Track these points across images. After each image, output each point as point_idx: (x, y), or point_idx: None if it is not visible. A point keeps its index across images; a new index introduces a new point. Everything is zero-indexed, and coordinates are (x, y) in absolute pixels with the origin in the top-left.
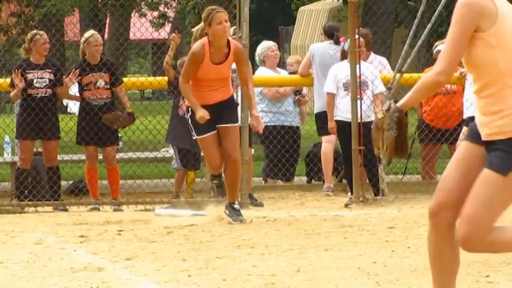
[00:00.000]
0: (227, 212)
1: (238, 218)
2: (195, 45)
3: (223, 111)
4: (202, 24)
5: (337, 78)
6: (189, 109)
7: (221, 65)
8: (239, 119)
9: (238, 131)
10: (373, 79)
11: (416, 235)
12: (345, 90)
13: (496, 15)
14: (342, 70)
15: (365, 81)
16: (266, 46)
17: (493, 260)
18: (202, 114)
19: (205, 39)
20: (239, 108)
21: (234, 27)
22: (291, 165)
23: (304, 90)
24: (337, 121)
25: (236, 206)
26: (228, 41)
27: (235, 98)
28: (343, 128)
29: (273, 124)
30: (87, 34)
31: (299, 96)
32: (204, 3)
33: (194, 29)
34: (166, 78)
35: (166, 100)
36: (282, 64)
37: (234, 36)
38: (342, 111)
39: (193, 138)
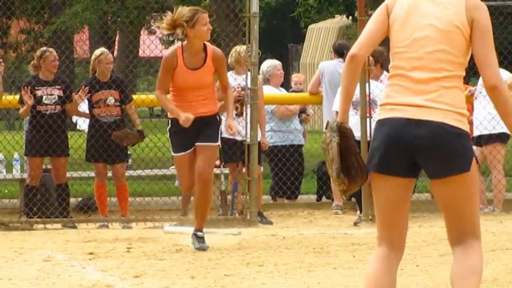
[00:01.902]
0: (191, 241)
1: (200, 245)
2: (167, 52)
3: (204, 128)
4: (164, 25)
5: None
6: (169, 121)
7: (199, 71)
8: (218, 138)
9: (215, 150)
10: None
11: (425, 254)
12: (353, 108)
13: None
14: None
15: (374, 99)
16: (272, 64)
17: (502, 279)
18: (186, 116)
19: (177, 45)
20: (248, 126)
21: (245, 46)
22: (300, 183)
23: (310, 108)
24: None
25: (200, 233)
26: (205, 45)
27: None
28: None
29: (282, 144)
30: (97, 52)
31: (304, 115)
32: (214, 21)
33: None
34: None
35: None
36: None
37: (244, 55)
38: (353, 128)
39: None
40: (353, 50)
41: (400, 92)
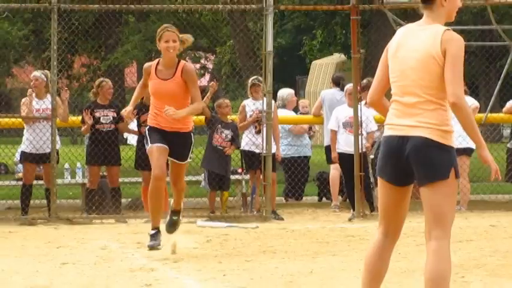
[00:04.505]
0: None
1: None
2: (147, 63)
3: (178, 145)
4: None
5: (338, 118)
6: (148, 127)
7: (168, 81)
8: (189, 156)
9: (185, 166)
10: (368, 119)
11: (405, 244)
12: (344, 128)
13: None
14: (342, 112)
15: (365, 121)
16: (290, 93)
17: (467, 264)
18: (126, 111)
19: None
20: (264, 142)
21: (258, 77)
22: (304, 187)
23: (316, 127)
24: (338, 153)
25: (175, 218)
26: (179, 61)
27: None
28: (343, 158)
29: (296, 155)
30: None
31: (312, 132)
32: (237, 57)
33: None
34: (204, 116)
35: (206, 134)
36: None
37: (257, 81)
38: (342, 144)
39: (147, 148)
40: (367, 99)
41: (395, 115)
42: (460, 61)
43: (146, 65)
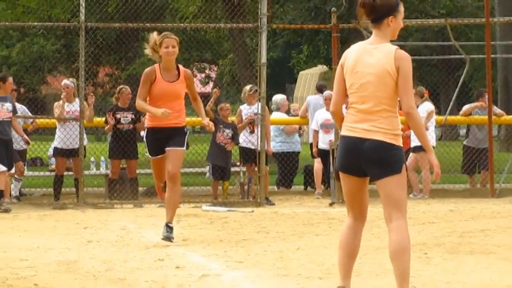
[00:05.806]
0: (163, 230)
1: (167, 234)
2: (146, 69)
3: (173, 136)
4: (148, 50)
5: (317, 120)
6: (146, 130)
7: (174, 83)
8: (185, 144)
9: (182, 154)
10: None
11: (377, 225)
12: (320, 128)
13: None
14: (320, 115)
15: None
16: (284, 98)
17: (430, 242)
18: (163, 111)
19: (157, 64)
20: (258, 140)
21: (249, 86)
22: (293, 178)
23: (305, 127)
24: (318, 149)
25: (171, 225)
26: (178, 66)
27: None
28: (321, 153)
29: (287, 150)
30: None
31: (301, 131)
32: (236, 68)
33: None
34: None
35: (210, 133)
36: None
37: (247, 93)
38: (320, 142)
39: (149, 155)
40: (331, 108)
41: (353, 119)
42: (410, 76)
43: (148, 70)
